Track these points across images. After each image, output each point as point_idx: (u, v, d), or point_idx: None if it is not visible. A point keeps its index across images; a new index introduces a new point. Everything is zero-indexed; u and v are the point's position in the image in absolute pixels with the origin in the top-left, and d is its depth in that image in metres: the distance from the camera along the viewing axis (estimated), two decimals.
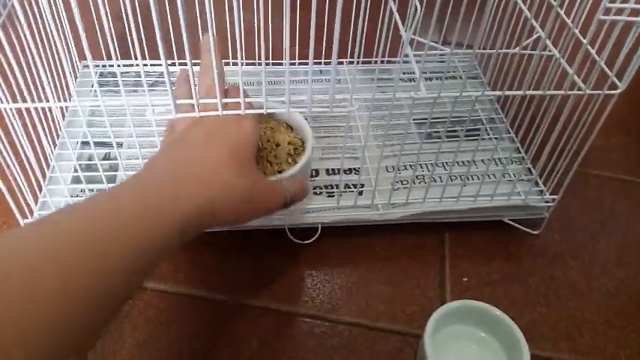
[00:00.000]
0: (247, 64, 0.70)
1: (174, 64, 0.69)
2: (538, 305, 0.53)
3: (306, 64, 0.71)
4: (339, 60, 0.71)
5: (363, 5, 0.40)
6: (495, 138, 0.64)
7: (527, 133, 0.56)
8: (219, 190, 0.38)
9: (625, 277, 0.56)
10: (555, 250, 0.58)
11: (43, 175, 0.55)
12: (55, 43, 0.45)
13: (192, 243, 0.52)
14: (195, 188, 0.37)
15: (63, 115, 0.62)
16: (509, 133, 0.64)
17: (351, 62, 0.72)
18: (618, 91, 0.45)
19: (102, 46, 0.64)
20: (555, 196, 0.55)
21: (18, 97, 0.43)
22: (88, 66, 0.68)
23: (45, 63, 0.53)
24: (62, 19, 0.59)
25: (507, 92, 0.46)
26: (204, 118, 0.41)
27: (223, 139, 0.40)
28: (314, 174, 0.59)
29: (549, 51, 0.49)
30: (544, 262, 0.56)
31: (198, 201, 0.36)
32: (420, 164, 0.61)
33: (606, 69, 0.46)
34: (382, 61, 0.72)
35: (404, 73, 0.73)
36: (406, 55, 0.45)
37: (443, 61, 0.74)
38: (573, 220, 0.61)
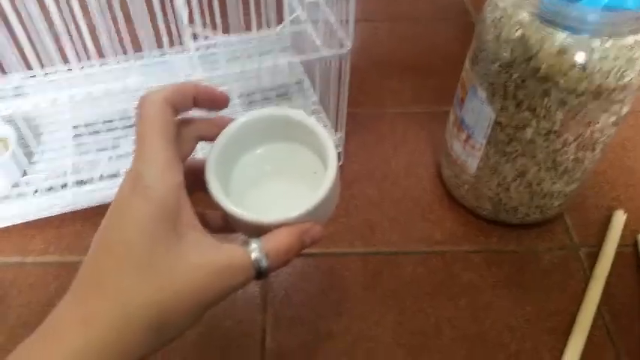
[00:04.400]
0: None
1: None
2: (340, 217, 0.69)
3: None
4: None
5: None
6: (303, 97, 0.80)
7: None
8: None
9: (408, 185, 0.73)
10: (355, 176, 0.74)
11: None
12: None
13: None
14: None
15: None
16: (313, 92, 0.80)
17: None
18: (346, 49, 0.61)
19: None
20: (340, 134, 0.71)
21: None
22: None
23: None
24: None
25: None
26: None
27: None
28: None
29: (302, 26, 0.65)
30: (346, 186, 0.73)
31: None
32: None
33: (341, 32, 0.61)
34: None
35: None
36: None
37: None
38: (370, 151, 0.77)
